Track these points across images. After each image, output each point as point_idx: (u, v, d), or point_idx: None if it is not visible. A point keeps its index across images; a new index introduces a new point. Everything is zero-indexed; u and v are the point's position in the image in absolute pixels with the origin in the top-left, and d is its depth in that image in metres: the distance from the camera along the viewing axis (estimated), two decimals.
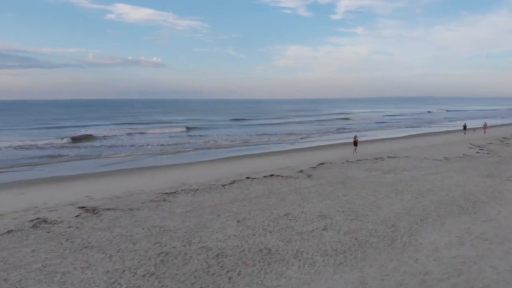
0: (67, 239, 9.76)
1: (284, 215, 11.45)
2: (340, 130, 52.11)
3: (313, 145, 34.13)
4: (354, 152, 25.27)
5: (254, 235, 9.82)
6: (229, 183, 15.67)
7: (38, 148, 33.04)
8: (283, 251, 8.86)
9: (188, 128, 55.12)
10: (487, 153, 24.21)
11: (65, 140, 37.91)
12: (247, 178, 16.79)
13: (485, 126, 40.34)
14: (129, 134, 46.22)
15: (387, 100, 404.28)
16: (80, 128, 55.76)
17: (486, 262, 8.40)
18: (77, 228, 10.59)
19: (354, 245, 9.24)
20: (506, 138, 33.42)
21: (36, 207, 12.83)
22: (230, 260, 8.38)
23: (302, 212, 11.75)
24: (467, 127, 41.87)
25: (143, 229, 10.38)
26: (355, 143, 26.13)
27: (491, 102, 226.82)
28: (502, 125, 56.26)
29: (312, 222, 10.79)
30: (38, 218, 11.48)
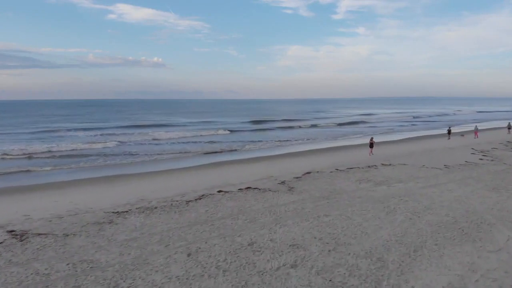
0: None
1: (248, 244, 9.41)
2: (368, 133, 48.61)
3: (306, 149, 32.07)
4: (370, 154, 25.23)
5: (202, 276, 7.78)
6: (196, 199, 13.61)
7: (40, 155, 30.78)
8: None
9: (231, 131, 51.63)
10: (492, 160, 22.17)
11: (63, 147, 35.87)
12: (218, 191, 14.74)
13: (476, 131, 37.85)
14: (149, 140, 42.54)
15: (389, 100, 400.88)
16: (102, 130, 53.43)
17: None
18: None
19: None
20: (511, 142, 31.35)
21: None
22: None
23: (271, 240, 9.71)
24: (452, 131, 38.94)
25: (67, 265, 8.35)
26: (371, 145, 26.07)
27: (498, 103, 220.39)
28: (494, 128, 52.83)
29: (280, 255, 8.76)
30: None
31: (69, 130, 54.99)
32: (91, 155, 29.24)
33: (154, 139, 41.80)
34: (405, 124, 65.59)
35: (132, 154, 29.93)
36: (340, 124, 65.75)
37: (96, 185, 17.14)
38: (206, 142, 38.65)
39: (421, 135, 44.08)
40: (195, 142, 39.12)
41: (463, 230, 10.48)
